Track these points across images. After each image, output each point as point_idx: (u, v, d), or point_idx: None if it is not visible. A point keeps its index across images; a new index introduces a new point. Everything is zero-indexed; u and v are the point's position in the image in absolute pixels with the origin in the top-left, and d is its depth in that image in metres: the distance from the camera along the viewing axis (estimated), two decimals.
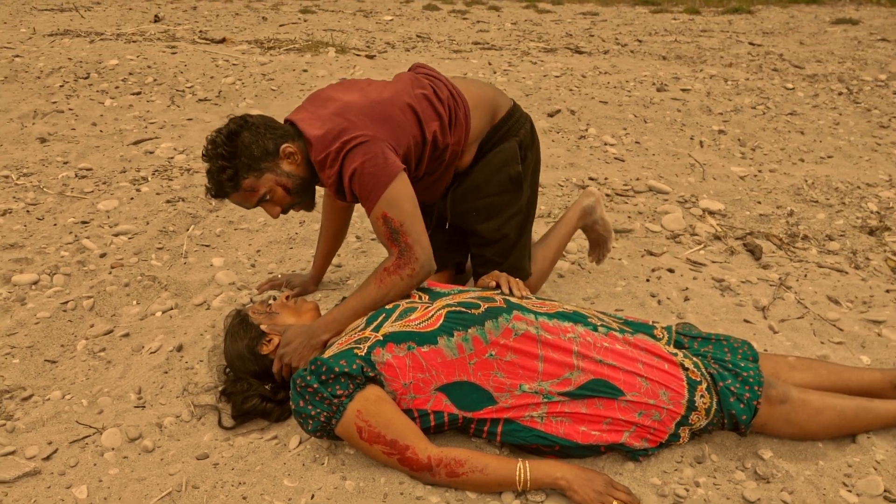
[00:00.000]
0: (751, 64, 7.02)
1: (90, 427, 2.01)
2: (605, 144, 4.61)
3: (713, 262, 3.07)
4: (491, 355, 1.79)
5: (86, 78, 5.84)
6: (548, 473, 1.71)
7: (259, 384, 2.02)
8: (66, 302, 2.64)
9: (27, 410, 2.11)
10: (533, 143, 2.43)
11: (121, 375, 2.26)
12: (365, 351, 1.79)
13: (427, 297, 2.02)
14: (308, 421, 1.79)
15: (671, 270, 2.94)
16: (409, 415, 1.80)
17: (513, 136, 2.35)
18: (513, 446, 1.86)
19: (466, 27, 9.21)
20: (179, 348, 2.38)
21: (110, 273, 2.86)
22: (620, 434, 1.80)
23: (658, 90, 5.78)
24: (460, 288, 2.09)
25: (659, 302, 2.69)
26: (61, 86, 5.65)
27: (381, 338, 1.81)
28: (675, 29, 9.22)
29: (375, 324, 1.89)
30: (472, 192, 2.35)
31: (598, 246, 2.81)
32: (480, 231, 2.39)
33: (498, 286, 2.07)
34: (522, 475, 1.70)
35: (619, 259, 3.03)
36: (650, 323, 2.07)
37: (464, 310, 1.86)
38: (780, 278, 2.91)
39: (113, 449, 1.93)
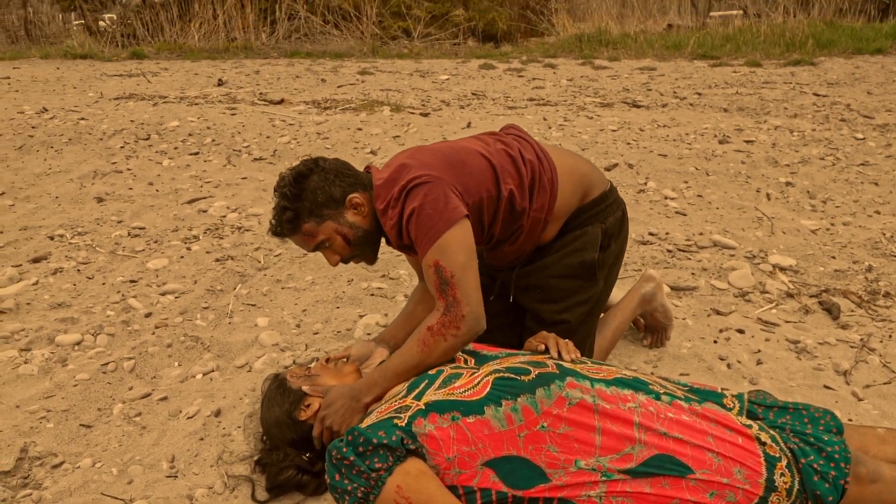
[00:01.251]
0: (816, 114, 6.77)
1: (117, 499, 1.90)
2: (666, 198, 4.44)
3: (787, 321, 2.85)
4: (543, 427, 1.62)
5: (146, 139, 5.96)
6: None
7: (296, 454, 1.90)
8: (107, 363, 2.57)
9: (56, 479, 2.01)
10: (620, 233, 2.26)
11: (155, 442, 2.16)
12: (405, 421, 1.65)
13: (473, 360, 1.87)
14: (344, 496, 1.64)
15: (741, 331, 2.74)
16: (454, 492, 1.63)
17: (600, 221, 2.19)
18: None
19: (522, 84, 9.19)
20: (217, 413, 2.27)
21: (153, 333, 2.80)
22: None
23: (720, 142, 5.59)
24: (509, 351, 1.94)
25: (728, 366, 2.49)
26: (122, 147, 5.76)
27: (423, 407, 1.67)
28: (735, 81, 9.03)
29: (417, 391, 1.74)
30: (539, 270, 2.20)
31: (656, 332, 2.63)
32: (539, 310, 2.22)
33: (547, 349, 1.90)
34: None
35: (684, 318, 2.83)
36: (719, 390, 1.88)
37: (513, 376, 1.70)
38: (861, 339, 2.68)
39: None
